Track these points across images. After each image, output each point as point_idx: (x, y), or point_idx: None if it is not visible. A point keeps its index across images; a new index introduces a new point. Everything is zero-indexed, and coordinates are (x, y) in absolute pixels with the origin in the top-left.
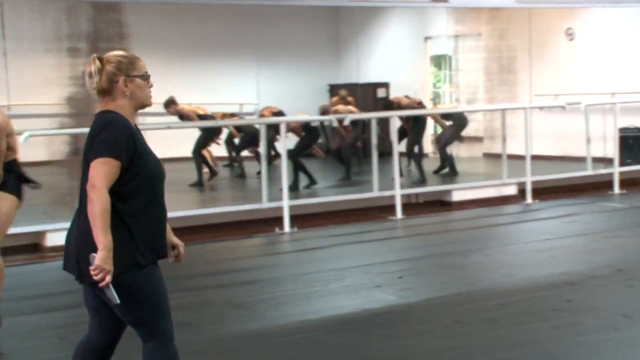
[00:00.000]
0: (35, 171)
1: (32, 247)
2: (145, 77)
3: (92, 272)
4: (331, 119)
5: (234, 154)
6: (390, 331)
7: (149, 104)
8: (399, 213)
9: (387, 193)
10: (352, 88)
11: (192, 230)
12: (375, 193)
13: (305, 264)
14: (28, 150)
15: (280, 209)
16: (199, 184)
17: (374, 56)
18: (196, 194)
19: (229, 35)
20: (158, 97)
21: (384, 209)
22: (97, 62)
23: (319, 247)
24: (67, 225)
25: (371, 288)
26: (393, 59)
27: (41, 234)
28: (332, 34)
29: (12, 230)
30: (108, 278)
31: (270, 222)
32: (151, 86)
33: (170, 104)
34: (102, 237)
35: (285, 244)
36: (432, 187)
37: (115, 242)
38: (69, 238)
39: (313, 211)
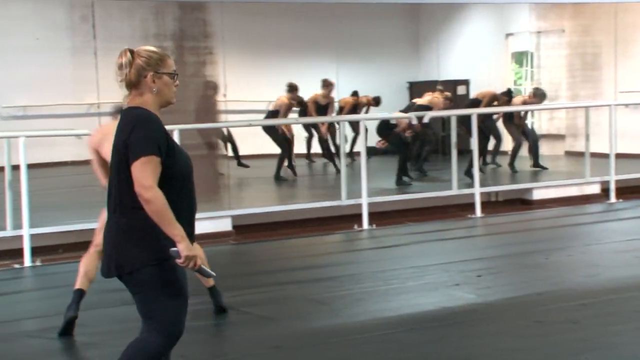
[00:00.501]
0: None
1: None
2: (173, 76)
3: (181, 264)
4: (410, 116)
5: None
6: (469, 330)
7: (172, 102)
8: (478, 211)
9: (467, 191)
10: (432, 85)
11: (272, 227)
12: (454, 191)
13: (384, 261)
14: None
15: (359, 206)
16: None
17: (454, 53)
18: (277, 191)
19: (310, 33)
20: (241, 94)
21: (463, 207)
22: (129, 55)
23: (398, 244)
24: None
25: (450, 286)
26: (473, 56)
27: None
28: (412, 31)
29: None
30: (198, 261)
31: (349, 219)
32: (177, 85)
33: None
34: (174, 229)
35: (363, 241)
36: (513, 186)
37: (141, 234)
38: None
39: (391, 209)
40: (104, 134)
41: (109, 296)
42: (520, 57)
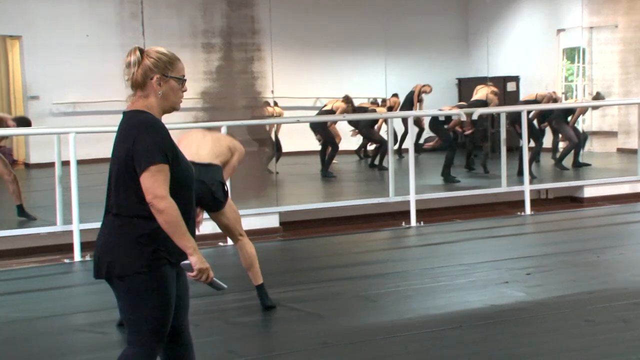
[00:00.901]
0: None
1: None
2: (181, 81)
3: (194, 278)
4: (459, 112)
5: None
6: (518, 328)
7: (177, 108)
8: (527, 209)
9: (516, 188)
10: (481, 82)
11: (319, 223)
12: (503, 188)
13: (432, 258)
14: None
15: (406, 203)
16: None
17: (504, 49)
18: (323, 187)
19: (358, 29)
20: (288, 91)
21: (513, 205)
22: (137, 54)
23: (446, 241)
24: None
25: (499, 284)
26: (524, 52)
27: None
28: (462, 27)
29: None
30: (211, 274)
31: (396, 216)
32: (185, 90)
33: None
34: (187, 242)
35: (411, 238)
36: (563, 183)
37: (135, 241)
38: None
39: (439, 206)
40: None
41: None
42: (571, 53)
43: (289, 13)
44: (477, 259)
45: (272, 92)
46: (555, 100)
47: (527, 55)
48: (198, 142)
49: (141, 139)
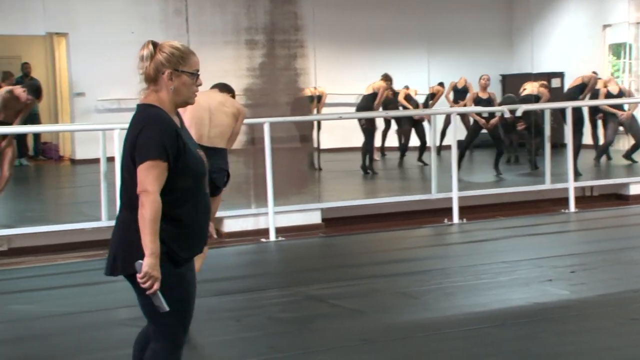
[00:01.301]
0: None
1: None
2: (194, 76)
3: (139, 280)
4: (503, 109)
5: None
6: (562, 327)
7: (191, 103)
8: (572, 206)
9: (560, 185)
10: (525, 78)
11: (361, 220)
12: (547, 185)
13: (474, 255)
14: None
15: (449, 199)
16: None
17: (549, 45)
18: (365, 184)
19: (401, 25)
20: (330, 87)
21: (556, 202)
22: (150, 48)
23: (489, 239)
24: (244, 212)
25: (542, 282)
26: (569, 47)
27: (219, 220)
28: (506, 23)
29: None
30: (156, 285)
31: (438, 212)
32: (199, 85)
33: None
34: (151, 243)
35: (454, 235)
36: (608, 180)
37: (140, 235)
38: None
39: (482, 203)
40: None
41: (201, 287)
42: (617, 49)
43: (332, 9)
44: (519, 256)
45: (315, 88)
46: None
47: (572, 51)
48: (208, 122)
49: (144, 133)
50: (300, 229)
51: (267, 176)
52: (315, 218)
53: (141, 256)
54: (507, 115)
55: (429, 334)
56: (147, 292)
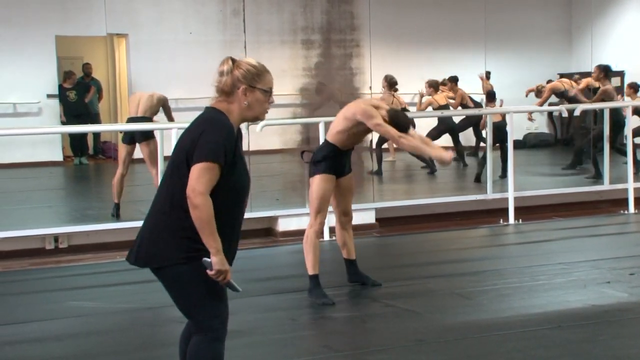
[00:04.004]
0: (269, 159)
1: (265, 231)
2: (268, 93)
3: (213, 276)
4: (560, 108)
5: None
6: (620, 330)
7: (261, 119)
8: (631, 207)
9: (619, 186)
10: (584, 77)
11: (416, 219)
12: (606, 186)
13: (530, 256)
14: (263, 139)
15: (504, 200)
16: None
17: (609, 44)
18: (419, 183)
19: (457, 24)
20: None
21: (616, 203)
22: (230, 63)
23: (545, 239)
24: (298, 210)
25: (600, 284)
26: (630, 46)
27: (274, 219)
28: (565, 21)
29: (247, 215)
30: (229, 275)
31: (494, 213)
32: (272, 102)
33: None
34: (213, 242)
35: (509, 235)
36: None
37: (177, 232)
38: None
39: (538, 203)
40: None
41: (257, 285)
42: None
43: (388, 9)
44: (577, 257)
45: (370, 88)
46: None
47: (633, 50)
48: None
49: (207, 134)
50: (354, 228)
51: None
52: (369, 218)
53: (170, 253)
54: (565, 114)
55: (484, 336)
56: (221, 283)
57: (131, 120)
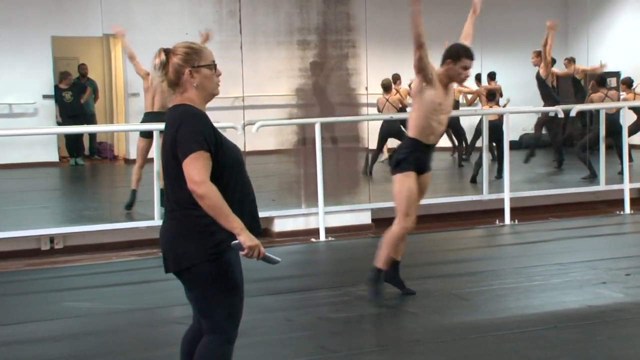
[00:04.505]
0: (265, 159)
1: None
2: (212, 66)
3: (245, 255)
4: (556, 109)
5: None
6: (617, 330)
7: (216, 93)
8: (627, 207)
9: (615, 187)
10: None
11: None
12: (601, 187)
13: (526, 257)
14: (259, 140)
15: (500, 200)
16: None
17: (604, 44)
18: None
19: (453, 25)
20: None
21: (611, 203)
22: (162, 55)
23: (541, 240)
24: (295, 211)
25: (596, 284)
26: (625, 47)
27: (270, 220)
28: (561, 22)
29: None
30: (262, 250)
31: (490, 213)
32: (219, 74)
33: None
34: (233, 222)
35: (505, 236)
36: None
37: (194, 231)
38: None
39: (534, 204)
40: None
41: (253, 286)
42: None
43: (384, 10)
44: (573, 258)
45: (366, 88)
46: None
47: (628, 51)
48: None
49: (181, 129)
50: (350, 229)
51: (318, 176)
52: (365, 218)
53: (194, 253)
54: (561, 115)
55: (481, 336)
56: (257, 259)
57: (148, 115)
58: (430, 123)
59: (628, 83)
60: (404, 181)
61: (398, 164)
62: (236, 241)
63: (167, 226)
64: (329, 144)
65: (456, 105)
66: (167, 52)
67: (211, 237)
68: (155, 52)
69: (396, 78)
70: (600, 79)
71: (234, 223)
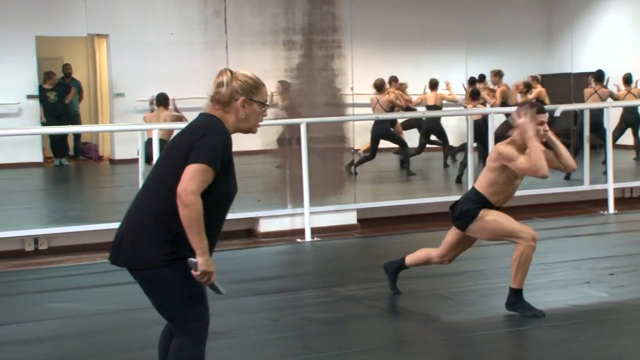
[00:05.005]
0: (251, 160)
1: (247, 232)
2: (264, 106)
3: (197, 277)
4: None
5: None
6: (601, 329)
7: (254, 132)
8: (611, 207)
9: (599, 187)
10: (565, 78)
11: (397, 220)
12: (586, 186)
13: (511, 257)
14: (244, 141)
15: None
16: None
17: (589, 45)
18: (402, 184)
19: (439, 25)
20: (368, 88)
21: (595, 203)
22: (228, 74)
23: None
24: (280, 212)
25: (580, 284)
26: (610, 47)
27: (255, 220)
28: (546, 22)
29: (229, 215)
30: (213, 277)
31: None
32: (266, 115)
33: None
34: (200, 242)
35: None
36: None
37: (160, 234)
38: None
39: (518, 204)
40: None
41: (238, 287)
42: None
43: (370, 10)
44: (557, 258)
45: (352, 89)
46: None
47: (613, 51)
48: None
49: (207, 138)
50: (335, 229)
51: (304, 176)
52: (350, 218)
53: (151, 256)
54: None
55: (466, 336)
56: (206, 285)
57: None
58: (504, 193)
59: (598, 77)
60: (488, 219)
61: (473, 217)
62: (194, 260)
63: (136, 219)
64: (314, 144)
65: (437, 107)
66: (232, 73)
67: (170, 245)
68: (220, 70)
69: (393, 79)
70: (598, 75)
71: (201, 243)
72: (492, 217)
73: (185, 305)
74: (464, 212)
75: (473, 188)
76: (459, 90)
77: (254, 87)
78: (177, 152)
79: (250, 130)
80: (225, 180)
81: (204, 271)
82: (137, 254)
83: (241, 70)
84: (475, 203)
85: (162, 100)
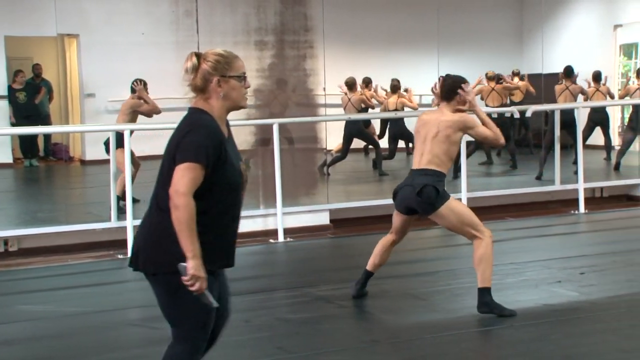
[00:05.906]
0: None
1: None
2: (242, 78)
3: (186, 282)
4: (512, 110)
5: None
6: (571, 328)
7: (243, 106)
8: (581, 207)
9: (570, 186)
10: (536, 78)
11: (370, 221)
12: (556, 186)
13: None
14: None
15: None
16: None
17: (559, 45)
18: (375, 185)
19: (411, 26)
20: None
21: (566, 203)
22: (194, 59)
23: (497, 240)
24: (253, 212)
25: (551, 283)
26: (579, 48)
27: None
28: (516, 23)
29: None
30: (204, 284)
31: None
32: (248, 87)
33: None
34: (191, 245)
35: (462, 236)
36: (618, 181)
37: (171, 238)
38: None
39: (490, 204)
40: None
41: None
42: (629, 49)
43: (342, 10)
44: (528, 257)
45: (324, 89)
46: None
47: (582, 52)
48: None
49: (190, 135)
50: (308, 229)
51: (276, 177)
52: (323, 219)
53: (165, 260)
54: (517, 115)
55: (437, 336)
56: (195, 292)
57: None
58: (450, 160)
59: (567, 72)
60: (456, 204)
61: (440, 197)
62: (184, 264)
63: (145, 224)
64: (286, 144)
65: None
66: (199, 56)
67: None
68: (187, 55)
69: (367, 82)
70: (567, 71)
71: (192, 246)
72: (461, 205)
73: (191, 313)
74: (439, 195)
75: (430, 169)
76: (429, 91)
77: (225, 64)
78: (168, 154)
79: (239, 106)
80: (222, 170)
81: (193, 275)
82: (149, 258)
83: (211, 50)
84: (439, 181)
85: (131, 89)
